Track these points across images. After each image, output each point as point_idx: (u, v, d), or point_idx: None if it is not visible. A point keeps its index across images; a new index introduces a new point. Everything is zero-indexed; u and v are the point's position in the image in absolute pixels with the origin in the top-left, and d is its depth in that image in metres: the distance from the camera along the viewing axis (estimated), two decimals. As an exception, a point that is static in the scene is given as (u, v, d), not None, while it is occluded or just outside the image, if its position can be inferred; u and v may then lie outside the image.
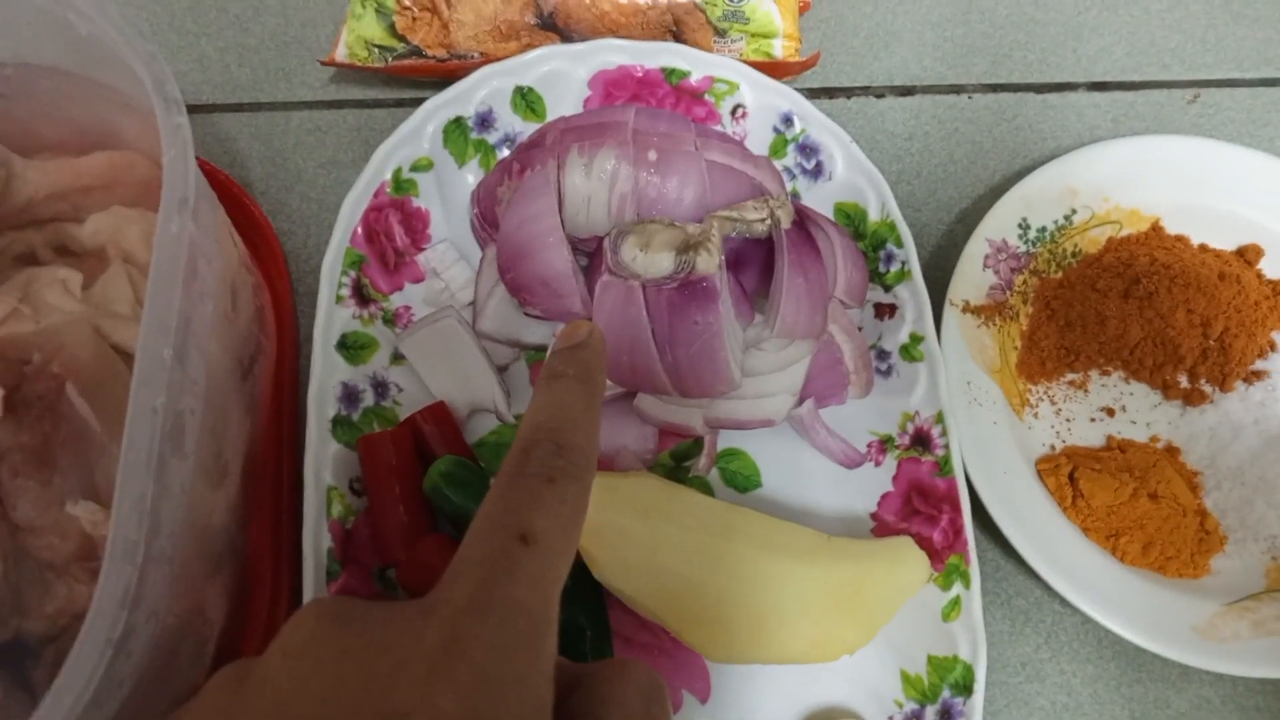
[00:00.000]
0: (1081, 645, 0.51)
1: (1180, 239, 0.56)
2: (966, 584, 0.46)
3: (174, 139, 0.39)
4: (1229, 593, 0.49)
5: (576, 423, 0.31)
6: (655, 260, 0.46)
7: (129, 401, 0.35)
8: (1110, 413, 0.54)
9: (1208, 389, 0.53)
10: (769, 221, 0.49)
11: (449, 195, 0.55)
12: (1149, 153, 0.56)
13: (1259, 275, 0.56)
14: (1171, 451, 0.53)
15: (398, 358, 0.52)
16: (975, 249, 0.53)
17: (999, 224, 0.54)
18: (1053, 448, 0.53)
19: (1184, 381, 0.54)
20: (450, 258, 0.54)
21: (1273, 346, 0.54)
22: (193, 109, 0.59)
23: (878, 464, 0.51)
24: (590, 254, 0.51)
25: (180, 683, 0.44)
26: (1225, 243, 0.56)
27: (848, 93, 0.62)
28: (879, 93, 0.62)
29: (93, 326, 0.44)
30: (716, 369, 0.47)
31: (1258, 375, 0.53)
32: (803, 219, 0.50)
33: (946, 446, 0.49)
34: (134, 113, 0.47)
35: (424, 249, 0.54)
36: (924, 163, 0.60)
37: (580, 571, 0.46)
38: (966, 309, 0.52)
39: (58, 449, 0.41)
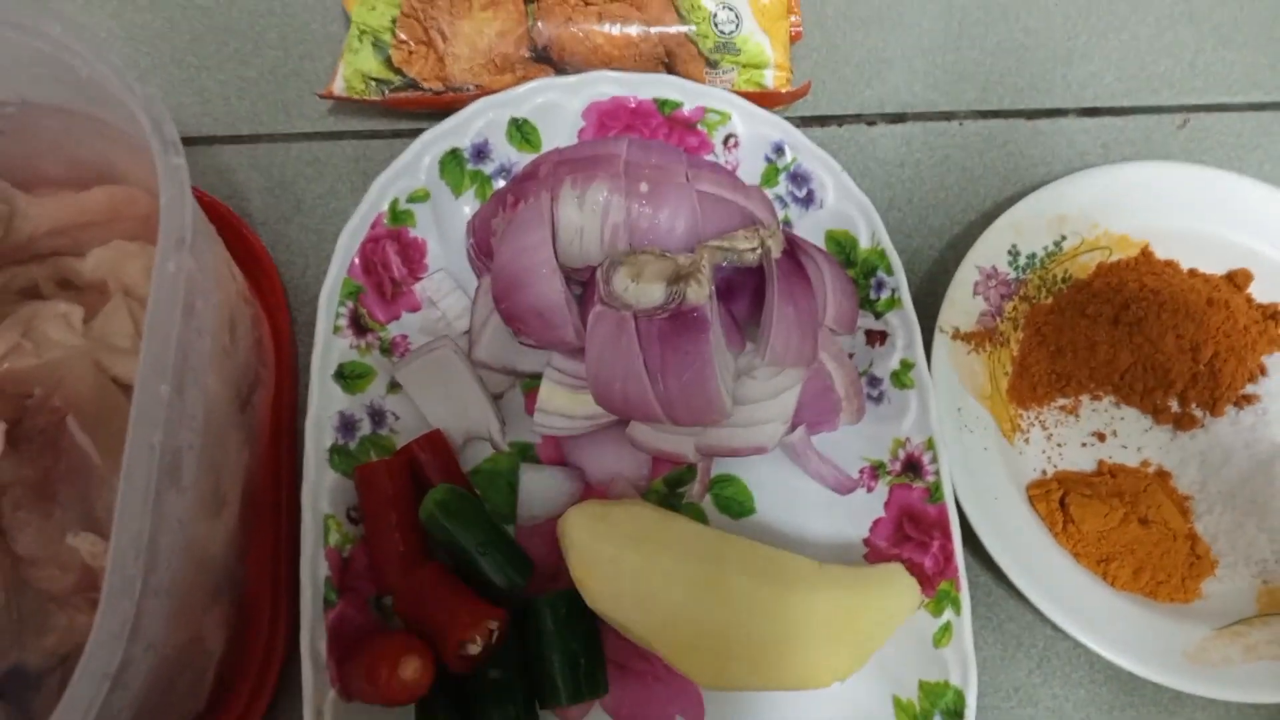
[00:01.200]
0: (1073, 670, 0.51)
1: (1169, 264, 0.57)
2: (957, 610, 0.47)
3: (171, 180, 0.40)
4: (1220, 617, 0.50)
5: None
6: (646, 291, 0.47)
7: (127, 438, 0.35)
8: (1101, 437, 0.54)
9: (1198, 413, 0.54)
10: (759, 251, 0.49)
11: (445, 225, 0.55)
12: (1137, 179, 0.57)
13: (1248, 299, 0.56)
14: (1162, 476, 0.53)
15: (394, 386, 0.52)
16: (965, 275, 0.54)
17: (989, 251, 0.54)
18: (1044, 472, 0.53)
19: (1174, 406, 0.54)
20: (446, 287, 0.55)
21: (1263, 370, 0.54)
22: (193, 141, 0.60)
23: (870, 490, 0.52)
24: (584, 284, 0.52)
25: (179, 712, 0.44)
26: (1214, 267, 0.57)
27: (839, 120, 0.62)
28: (870, 120, 0.62)
29: (93, 360, 0.45)
30: (708, 397, 0.47)
31: (1248, 399, 0.54)
32: (793, 248, 0.51)
33: (937, 473, 0.49)
34: (134, 149, 0.48)
35: (420, 279, 0.55)
36: (915, 189, 0.61)
37: (574, 600, 0.47)
38: (956, 336, 0.53)
39: (58, 482, 0.42)
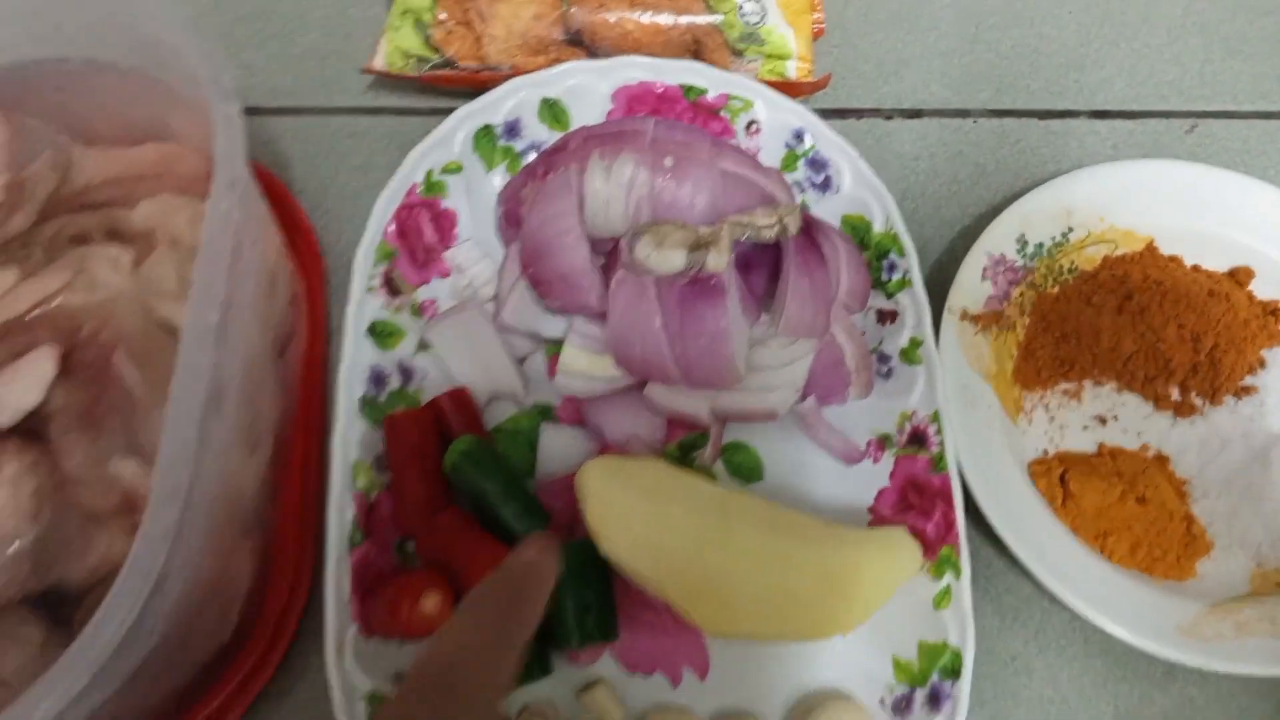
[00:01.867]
0: (1069, 643, 0.52)
1: (1173, 259, 0.59)
2: (957, 574, 0.48)
3: (227, 125, 0.42)
4: (1214, 595, 0.51)
5: (479, 663, 0.29)
6: (668, 257, 0.49)
7: (178, 359, 0.38)
8: (1103, 421, 0.56)
9: (1198, 402, 0.56)
10: (778, 228, 0.52)
11: (476, 198, 0.58)
12: (1145, 176, 0.59)
13: (1249, 296, 0.58)
14: (1161, 460, 0.55)
15: (423, 346, 0.55)
16: (975, 260, 0.56)
17: (998, 238, 0.56)
18: (1045, 452, 0.55)
19: (1175, 394, 0.56)
20: (475, 255, 0.57)
21: (1262, 364, 0.56)
22: (239, 112, 0.63)
23: (876, 461, 0.53)
24: (608, 254, 0.54)
25: (205, 642, 0.46)
26: (1217, 264, 0.59)
27: (858, 114, 0.65)
28: (888, 115, 0.65)
29: (140, 302, 0.47)
30: (723, 361, 0.49)
31: (1247, 390, 0.55)
32: (810, 227, 0.53)
33: (941, 444, 0.51)
34: (187, 109, 0.50)
35: (451, 247, 0.57)
36: (929, 182, 0.63)
37: (588, 551, 0.49)
38: (965, 317, 0.55)
39: (105, 410, 0.44)
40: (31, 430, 0.44)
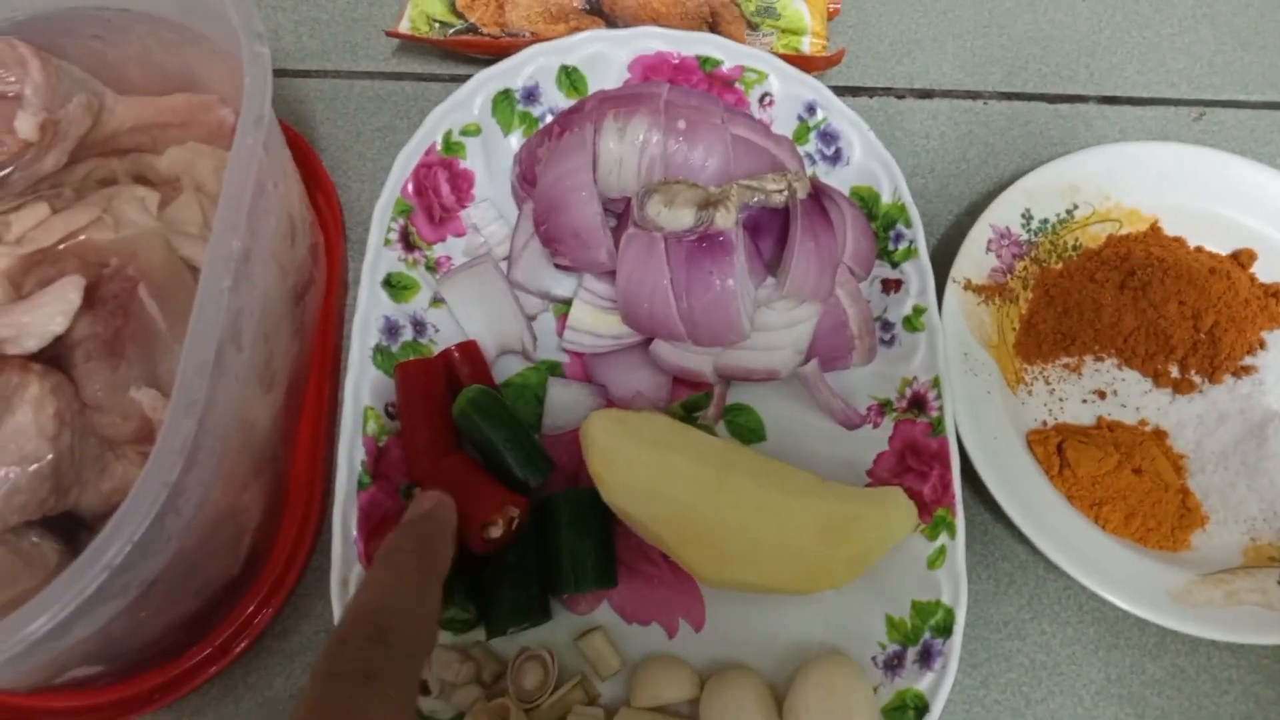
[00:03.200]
0: (1062, 609, 0.53)
1: (1177, 240, 0.59)
2: (952, 535, 0.49)
3: (255, 65, 0.44)
4: (1207, 567, 0.52)
5: (404, 603, 0.30)
6: (678, 215, 0.50)
7: (200, 281, 0.39)
8: (1102, 395, 0.57)
9: (1197, 379, 0.56)
10: (786, 193, 0.53)
11: (493, 160, 0.59)
12: (1152, 157, 0.60)
13: (1251, 278, 0.59)
14: (1159, 434, 0.55)
15: (436, 301, 0.56)
16: (979, 233, 0.57)
17: (1003, 212, 0.57)
18: (1044, 423, 0.56)
19: (1174, 371, 0.57)
20: (490, 215, 0.58)
21: (1262, 344, 0.57)
22: (266, 73, 0.64)
23: (876, 425, 0.54)
24: (619, 214, 0.55)
25: (215, 571, 0.48)
26: (1220, 246, 0.60)
27: (870, 92, 0.66)
28: (900, 94, 0.66)
29: (165, 240, 0.49)
30: (728, 318, 0.50)
31: (1246, 370, 0.56)
32: (818, 192, 0.54)
33: (941, 409, 0.52)
34: (217, 58, 0.52)
35: (467, 206, 0.59)
36: (938, 160, 0.64)
37: (589, 499, 0.50)
38: (968, 287, 0.56)
39: (127, 341, 0.46)
40: (55, 357, 0.45)
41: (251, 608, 0.50)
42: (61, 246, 0.47)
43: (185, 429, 0.37)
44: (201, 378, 0.38)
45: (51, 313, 0.44)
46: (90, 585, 0.35)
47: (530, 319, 0.57)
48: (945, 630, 0.48)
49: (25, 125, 0.48)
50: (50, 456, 0.43)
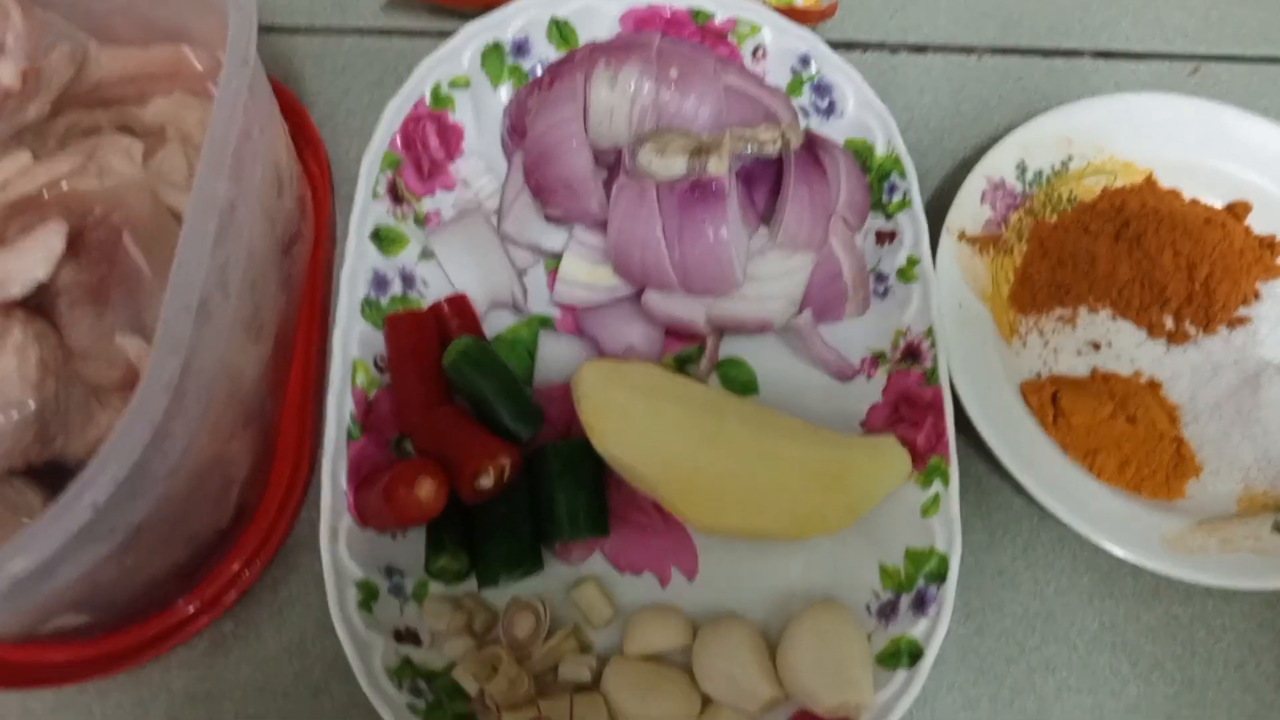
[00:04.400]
0: (1056, 558, 0.53)
1: (1172, 192, 0.59)
2: (945, 482, 0.49)
3: (239, 7, 0.43)
4: (1201, 515, 0.51)
5: None
6: (669, 163, 0.50)
7: (184, 222, 0.39)
8: (1096, 346, 0.56)
9: (1191, 330, 0.56)
10: (780, 143, 0.52)
11: (483, 114, 0.59)
12: (1147, 109, 0.60)
13: (1247, 229, 0.58)
14: (1153, 385, 0.55)
15: (426, 255, 0.55)
16: (974, 184, 0.56)
17: (998, 163, 0.57)
18: (1039, 374, 0.56)
19: (1169, 322, 0.56)
20: (479, 169, 0.58)
21: (1256, 295, 0.56)
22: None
23: (869, 377, 0.54)
24: (610, 165, 0.55)
25: (203, 521, 0.47)
26: (1216, 199, 0.59)
27: (864, 47, 0.66)
28: (893, 49, 0.66)
29: (151, 189, 0.48)
30: (720, 266, 0.50)
31: (1240, 321, 0.56)
32: (811, 142, 0.53)
33: (934, 358, 0.51)
34: (204, 10, 0.52)
35: (455, 160, 0.58)
36: (932, 114, 0.64)
37: (581, 449, 0.49)
38: (962, 238, 0.55)
39: (112, 289, 0.45)
40: (39, 305, 0.45)
41: (241, 561, 0.50)
42: (45, 194, 0.46)
43: (170, 367, 0.37)
44: (186, 317, 0.37)
45: (35, 259, 0.44)
46: (75, 523, 0.34)
47: (521, 273, 0.56)
48: (939, 577, 0.47)
49: (6, 73, 0.47)
50: (34, 404, 0.42)
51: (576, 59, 0.54)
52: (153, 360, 0.36)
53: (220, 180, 0.40)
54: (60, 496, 0.35)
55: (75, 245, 0.46)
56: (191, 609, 0.49)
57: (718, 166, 0.49)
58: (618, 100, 0.53)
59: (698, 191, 0.49)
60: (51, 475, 0.45)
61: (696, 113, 0.53)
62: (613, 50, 0.54)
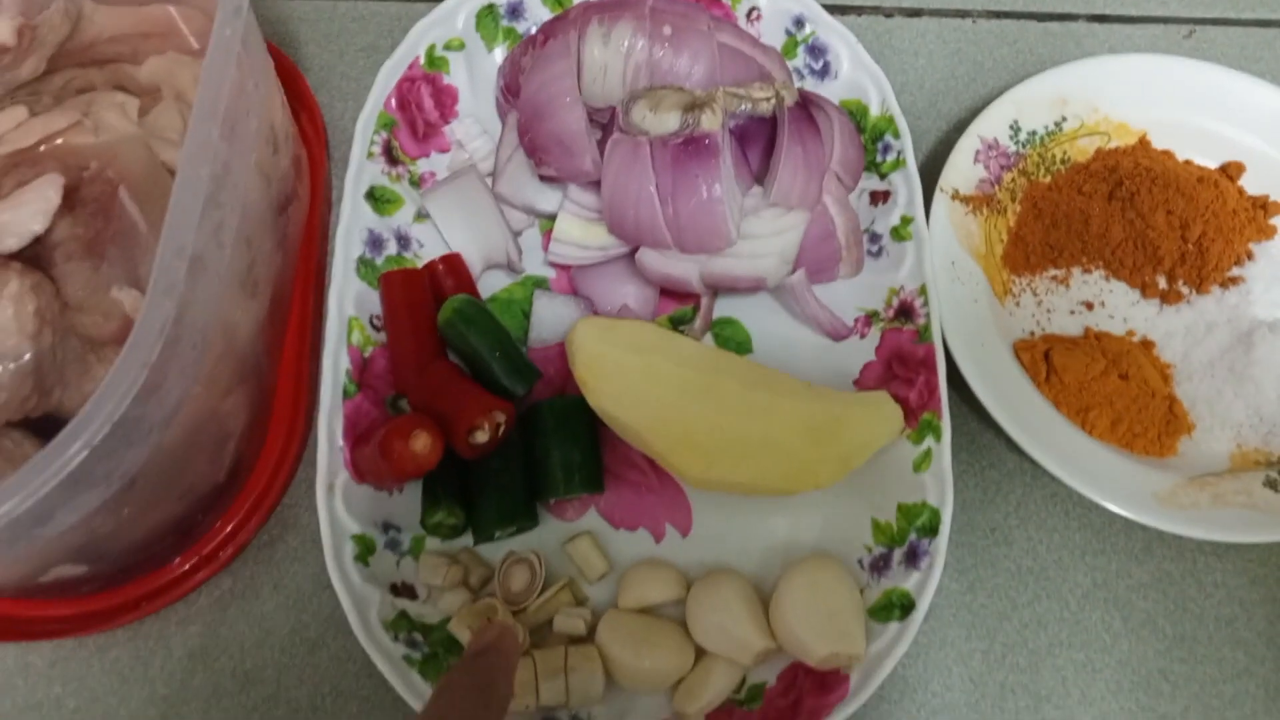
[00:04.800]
0: (1049, 515, 0.53)
1: (1166, 153, 0.59)
2: (938, 437, 0.49)
3: (233, -43, 0.43)
4: (1192, 471, 0.52)
5: None
6: (663, 120, 0.50)
7: (178, 168, 0.39)
8: (1089, 306, 0.57)
9: (1184, 290, 0.56)
10: (774, 101, 0.52)
11: (477, 76, 0.59)
12: (1141, 70, 0.60)
13: (1240, 190, 0.58)
14: (1146, 344, 0.55)
15: (420, 216, 0.56)
16: (967, 144, 0.56)
17: (991, 123, 0.57)
18: (1032, 334, 0.56)
19: (1162, 282, 0.56)
20: (475, 131, 0.58)
21: (1249, 255, 0.57)
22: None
23: (863, 336, 0.54)
24: (604, 125, 0.55)
25: (198, 476, 0.47)
26: (1209, 160, 0.59)
27: (858, 10, 0.66)
28: (888, 13, 0.66)
29: (146, 144, 0.49)
30: (714, 223, 0.50)
31: (1233, 280, 0.56)
32: (805, 101, 0.53)
33: (927, 315, 0.52)
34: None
35: (450, 122, 0.58)
36: (926, 77, 0.64)
37: (575, 409, 0.50)
38: (956, 197, 0.56)
39: (108, 242, 0.46)
40: (35, 258, 0.45)
41: (238, 518, 0.50)
42: (42, 149, 0.47)
43: (164, 311, 0.37)
44: (180, 262, 0.38)
45: (31, 211, 0.44)
46: (70, 463, 0.35)
47: (516, 234, 0.56)
48: (931, 530, 0.48)
49: (2, 29, 0.47)
50: (31, 354, 0.43)
51: (570, 17, 0.54)
52: (146, 304, 0.37)
53: (213, 127, 0.40)
54: (57, 436, 0.35)
55: (71, 199, 0.46)
56: (189, 565, 0.50)
57: (711, 122, 0.49)
58: (611, 58, 0.53)
59: (691, 147, 0.49)
60: (49, 429, 0.45)
61: (690, 70, 0.53)
62: (606, 8, 0.54)
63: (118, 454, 0.38)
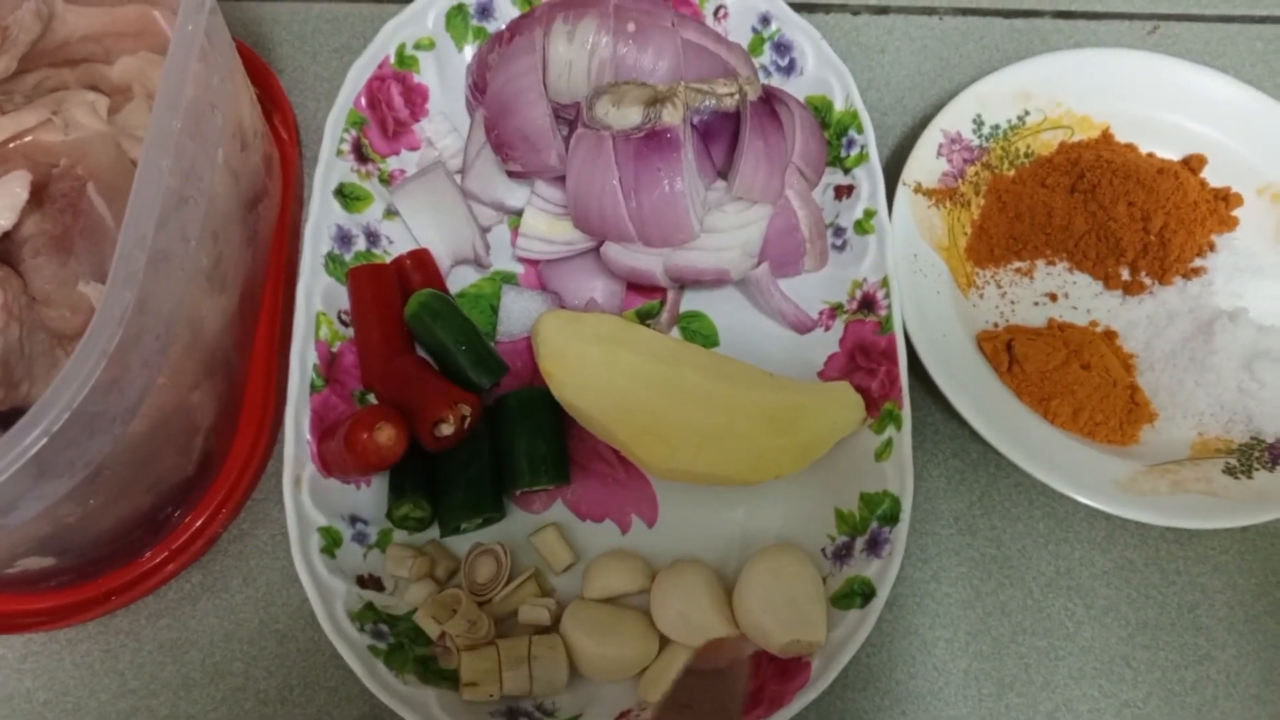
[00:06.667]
0: (1013, 505, 0.54)
1: (1128, 146, 0.60)
2: (899, 427, 0.49)
3: (195, -45, 0.44)
4: (1154, 460, 0.52)
5: None
6: (625, 114, 0.51)
7: (140, 158, 0.39)
8: (1053, 298, 0.57)
9: (1147, 281, 0.57)
10: (737, 96, 0.53)
11: (447, 75, 0.59)
12: (1103, 64, 0.60)
13: (1201, 181, 0.59)
14: (1109, 335, 0.56)
15: (390, 213, 0.56)
16: (930, 138, 0.57)
17: (954, 117, 0.58)
18: (995, 325, 0.56)
19: (1125, 274, 0.57)
20: (444, 129, 0.59)
21: (1211, 247, 0.57)
22: (223, -3, 0.65)
23: (827, 329, 0.55)
24: (570, 121, 0.56)
25: (166, 465, 0.48)
26: (1172, 153, 0.60)
27: (825, 9, 0.66)
28: (855, 10, 0.66)
29: (116, 142, 0.49)
30: (676, 216, 0.51)
31: (1195, 271, 0.57)
32: (768, 95, 0.54)
33: (889, 307, 0.52)
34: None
35: (420, 120, 0.59)
36: (893, 73, 0.64)
37: (541, 401, 0.50)
38: (918, 190, 0.56)
39: (76, 238, 0.46)
40: (3, 253, 0.46)
41: (208, 512, 0.51)
42: (11, 145, 0.47)
43: (124, 300, 0.37)
44: (140, 252, 0.38)
45: (-1, 207, 0.45)
46: (30, 449, 0.35)
47: (484, 230, 0.57)
48: (892, 519, 0.48)
49: (-28, 30, 0.48)
50: (-2, 348, 0.43)
51: (535, 15, 0.55)
52: (106, 293, 0.37)
53: (175, 119, 0.41)
54: (18, 423, 0.35)
55: (40, 195, 0.46)
56: (159, 559, 0.50)
57: (672, 116, 0.50)
58: (576, 54, 0.54)
59: (653, 141, 0.50)
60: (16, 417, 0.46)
61: (654, 67, 0.54)
62: (570, 5, 0.54)
63: (80, 443, 0.38)
